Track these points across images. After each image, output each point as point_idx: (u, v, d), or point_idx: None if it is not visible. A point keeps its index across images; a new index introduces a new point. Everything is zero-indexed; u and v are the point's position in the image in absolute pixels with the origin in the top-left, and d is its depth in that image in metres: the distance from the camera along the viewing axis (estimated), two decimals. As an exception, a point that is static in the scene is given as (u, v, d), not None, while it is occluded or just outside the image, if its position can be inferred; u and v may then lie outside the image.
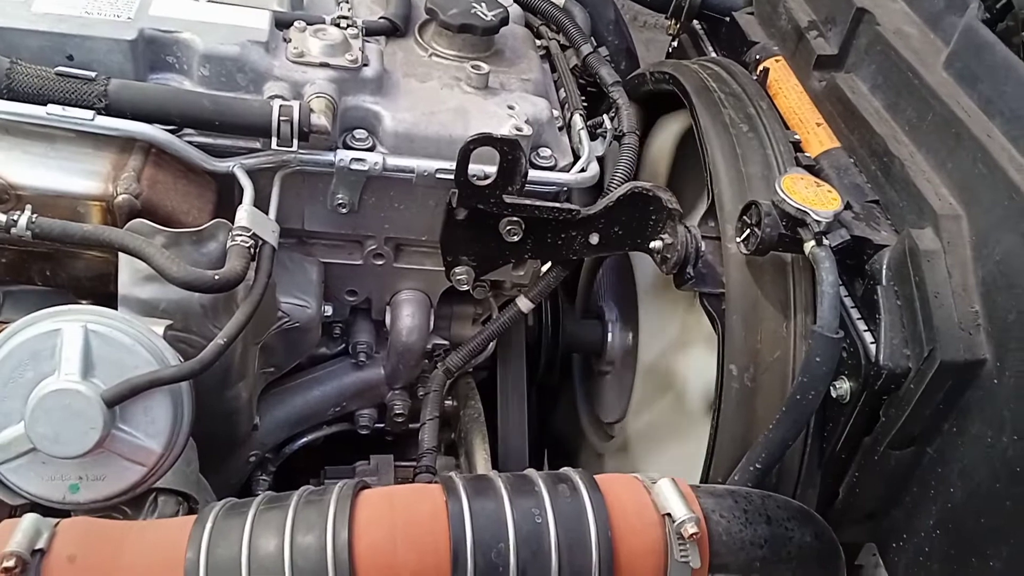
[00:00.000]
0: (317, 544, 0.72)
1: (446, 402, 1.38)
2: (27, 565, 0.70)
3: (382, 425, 1.43)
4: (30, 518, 0.74)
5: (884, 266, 1.05)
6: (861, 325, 1.05)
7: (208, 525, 0.75)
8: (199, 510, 0.81)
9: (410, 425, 1.41)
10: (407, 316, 1.28)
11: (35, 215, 0.91)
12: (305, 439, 1.38)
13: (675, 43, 1.74)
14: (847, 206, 1.09)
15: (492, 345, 1.38)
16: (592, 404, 1.70)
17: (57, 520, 0.76)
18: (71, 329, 0.83)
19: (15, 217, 0.90)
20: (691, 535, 0.73)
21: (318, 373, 1.34)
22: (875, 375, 1.01)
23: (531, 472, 0.80)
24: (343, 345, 1.36)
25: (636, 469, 1.21)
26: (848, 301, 1.08)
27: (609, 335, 1.58)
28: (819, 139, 1.23)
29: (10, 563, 0.69)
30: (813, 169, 1.18)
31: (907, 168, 1.10)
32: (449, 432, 1.45)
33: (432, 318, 1.31)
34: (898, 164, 1.11)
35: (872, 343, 1.03)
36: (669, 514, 0.76)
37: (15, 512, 0.87)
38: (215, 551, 0.74)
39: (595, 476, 0.80)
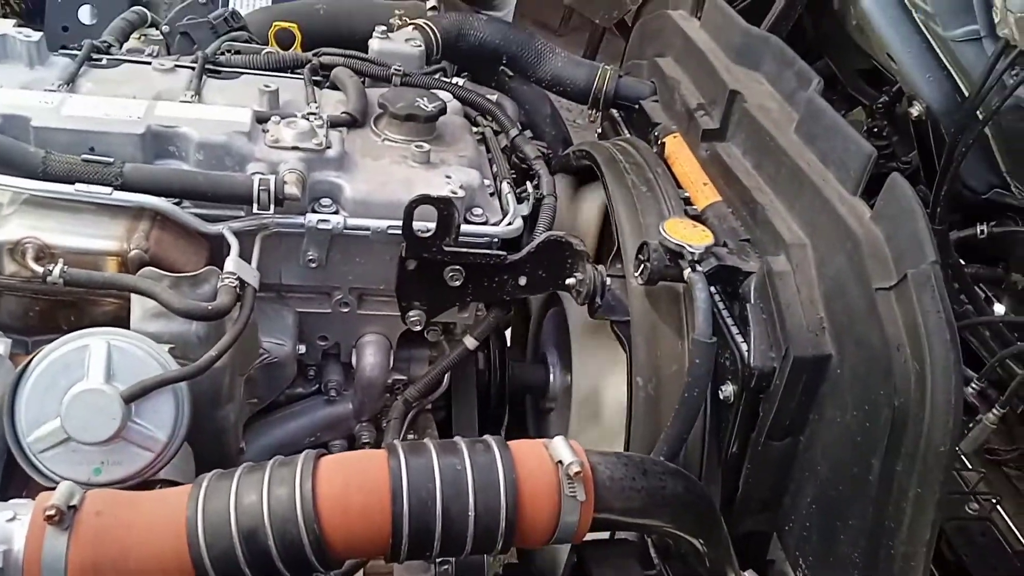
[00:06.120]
0: (288, 494, 0.94)
1: (410, 436, 1.59)
2: (64, 515, 0.90)
3: (352, 457, 1.63)
4: (66, 484, 0.94)
5: (752, 288, 1.30)
6: (739, 339, 1.29)
7: (204, 486, 0.96)
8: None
9: (377, 457, 1.62)
10: (370, 355, 1.51)
11: (66, 267, 1.16)
12: (285, 469, 1.58)
13: (599, 130, 2.05)
14: (724, 244, 1.35)
15: (446, 381, 1.60)
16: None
17: (87, 489, 0.97)
18: (97, 344, 1.06)
19: (51, 268, 1.15)
20: (575, 473, 0.95)
21: (295, 408, 1.55)
22: (749, 376, 1.24)
23: (458, 439, 1.02)
24: (317, 385, 1.58)
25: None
26: (729, 321, 1.33)
27: (551, 376, 1.81)
28: (705, 195, 1.50)
29: (51, 512, 0.90)
30: (699, 218, 1.45)
31: (767, 211, 1.37)
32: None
33: (392, 357, 1.54)
34: (760, 208, 1.38)
35: (747, 351, 1.27)
36: (561, 461, 0.97)
37: (47, 496, 1.06)
38: (209, 505, 0.94)
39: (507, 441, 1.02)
